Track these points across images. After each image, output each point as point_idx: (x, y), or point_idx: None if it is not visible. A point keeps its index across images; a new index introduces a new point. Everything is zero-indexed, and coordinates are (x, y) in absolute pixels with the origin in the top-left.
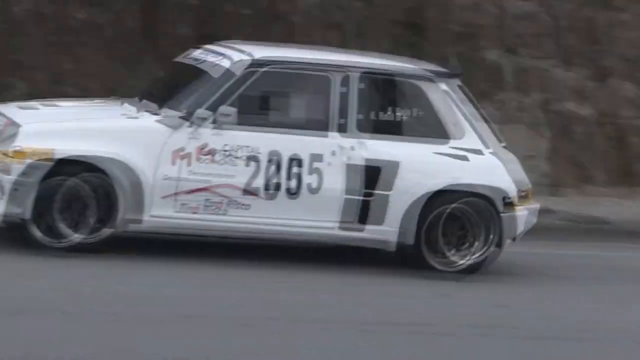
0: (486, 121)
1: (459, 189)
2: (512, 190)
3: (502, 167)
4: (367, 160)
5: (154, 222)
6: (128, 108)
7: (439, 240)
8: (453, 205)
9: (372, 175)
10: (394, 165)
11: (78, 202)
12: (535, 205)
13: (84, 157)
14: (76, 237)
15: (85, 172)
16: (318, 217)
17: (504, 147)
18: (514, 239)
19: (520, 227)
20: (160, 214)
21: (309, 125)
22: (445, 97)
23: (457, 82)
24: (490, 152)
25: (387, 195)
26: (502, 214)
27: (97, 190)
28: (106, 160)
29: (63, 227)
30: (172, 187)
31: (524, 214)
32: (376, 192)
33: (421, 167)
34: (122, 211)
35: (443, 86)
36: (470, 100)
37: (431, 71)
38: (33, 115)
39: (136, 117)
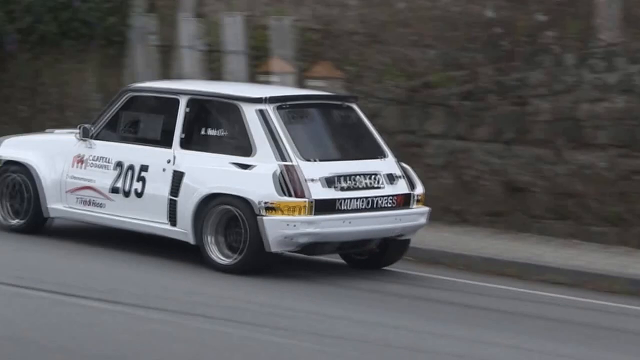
0: (295, 141)
1: (228, 194)
2: (272, 200)
3: (270, 179)
4: (173, 171)
5: (63, 211)
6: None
7: (208, 238)
8: (220, 207)
9: (173, 184)
10: (181, 176)
11: (17, 193)
12: (308, 217)
13: (17, 159)
14: (16, 222)
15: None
16: (149, 216)
17: (311, 161)
18: (297, 246)
19: (282, 233)
20: (68, 205)
21: (150, 140)
22: (256, 118)
23: (277, 105)
24: (278, 165)
25: (176, 201)
26: (257, 217)
27: (25, 184)
28: (21, 162)
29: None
30: (70, 184)
31: (280, 221)
32: (173, 198)
33: (200, 176)
34: (42, 201)
35: (258, 107)
36: (288, 122)
37: (248, 96)
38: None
39: (69, 133)
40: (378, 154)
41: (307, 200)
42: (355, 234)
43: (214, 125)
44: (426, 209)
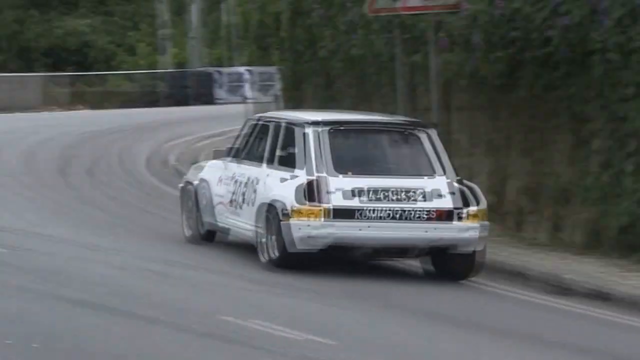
0: (333, 158)
1: (272, 201)
2: (293, 206)
3: (293, 187)
4: (256, 185)
5: (212, 224)
6: None
7: (264, 238)
8: (269, 212)
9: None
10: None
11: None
12: (322, 221)
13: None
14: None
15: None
16: (249, 222)
17: (343, 175)
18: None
19: (299, 234)
20: (214, 218)
21: (256, 159)
22: (304, 139)
23: (329, 128)
24: (309, 178)
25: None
26: (283, 221)
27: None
28: (196, 182)
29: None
30: (215, 200)
31: (298, 224)
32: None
33: (265, 188)
34: (202, 214)
35: (306, 130)
36: (335, 142)
37: (305, 120)
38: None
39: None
40: (425, 173)
41: (323, 207)
42: (376, 240)
43: (285, 145)
44: (475, 224)
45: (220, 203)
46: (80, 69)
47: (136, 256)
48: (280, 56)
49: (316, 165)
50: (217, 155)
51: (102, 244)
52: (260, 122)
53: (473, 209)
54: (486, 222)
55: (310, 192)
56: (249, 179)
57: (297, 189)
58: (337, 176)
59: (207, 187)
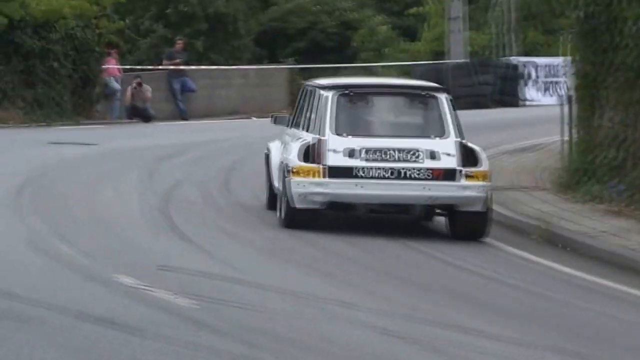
0: (338, 119)
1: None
2: (293, 165)
3: (297, 148)
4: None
5: (277, 188)
6: None
7: (281, 198)
8: (281, 171)
9: None
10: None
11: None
12: (318, 179)
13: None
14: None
15: None
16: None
17: (343, 136)
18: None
19: (297, 191)
20: (280, 182)
21: (299, 124)
22: (320, 101)
23: (340, 92)
24: (311, 138)
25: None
26: (285, 178)
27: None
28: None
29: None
30: (279, 164)
31: (296, 182)
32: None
33: (285, 148)
34: (273, 180)
35: (324, 93)
36: (345, 106)
37: (323, 84)
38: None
39: None
40: (434, 134)
41: (321, 166)
42: (372, 197)
43: (311, 109)
44: (474, 183)
45: (276, 168)
46: (338, 59)
47: (368, 311)
48: (574, 43)
49: (320, 127)
50: (279, 121)
51: (323, 294)
52: (306, 88)
53: (474, 170)
54: (487, 183)
55: (310, 152)
56: (286, 142)
57: (299, 149)
58: (338, 137)
59: (271, 153)
